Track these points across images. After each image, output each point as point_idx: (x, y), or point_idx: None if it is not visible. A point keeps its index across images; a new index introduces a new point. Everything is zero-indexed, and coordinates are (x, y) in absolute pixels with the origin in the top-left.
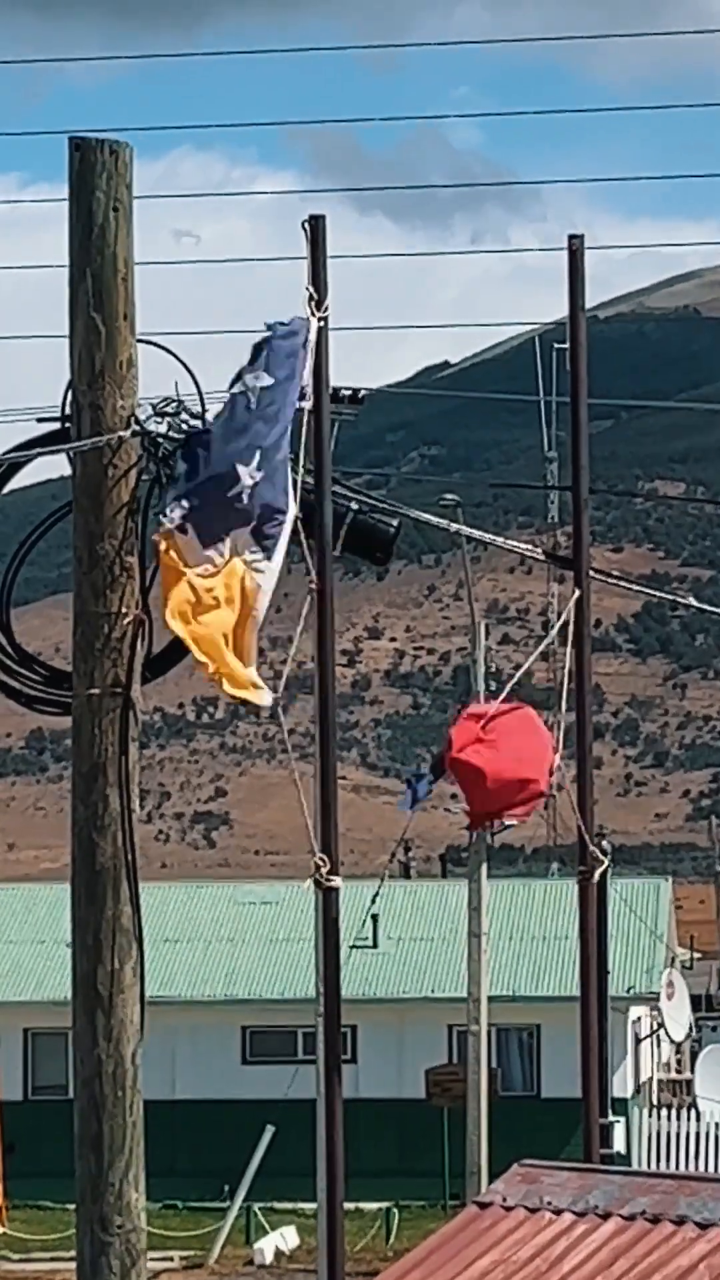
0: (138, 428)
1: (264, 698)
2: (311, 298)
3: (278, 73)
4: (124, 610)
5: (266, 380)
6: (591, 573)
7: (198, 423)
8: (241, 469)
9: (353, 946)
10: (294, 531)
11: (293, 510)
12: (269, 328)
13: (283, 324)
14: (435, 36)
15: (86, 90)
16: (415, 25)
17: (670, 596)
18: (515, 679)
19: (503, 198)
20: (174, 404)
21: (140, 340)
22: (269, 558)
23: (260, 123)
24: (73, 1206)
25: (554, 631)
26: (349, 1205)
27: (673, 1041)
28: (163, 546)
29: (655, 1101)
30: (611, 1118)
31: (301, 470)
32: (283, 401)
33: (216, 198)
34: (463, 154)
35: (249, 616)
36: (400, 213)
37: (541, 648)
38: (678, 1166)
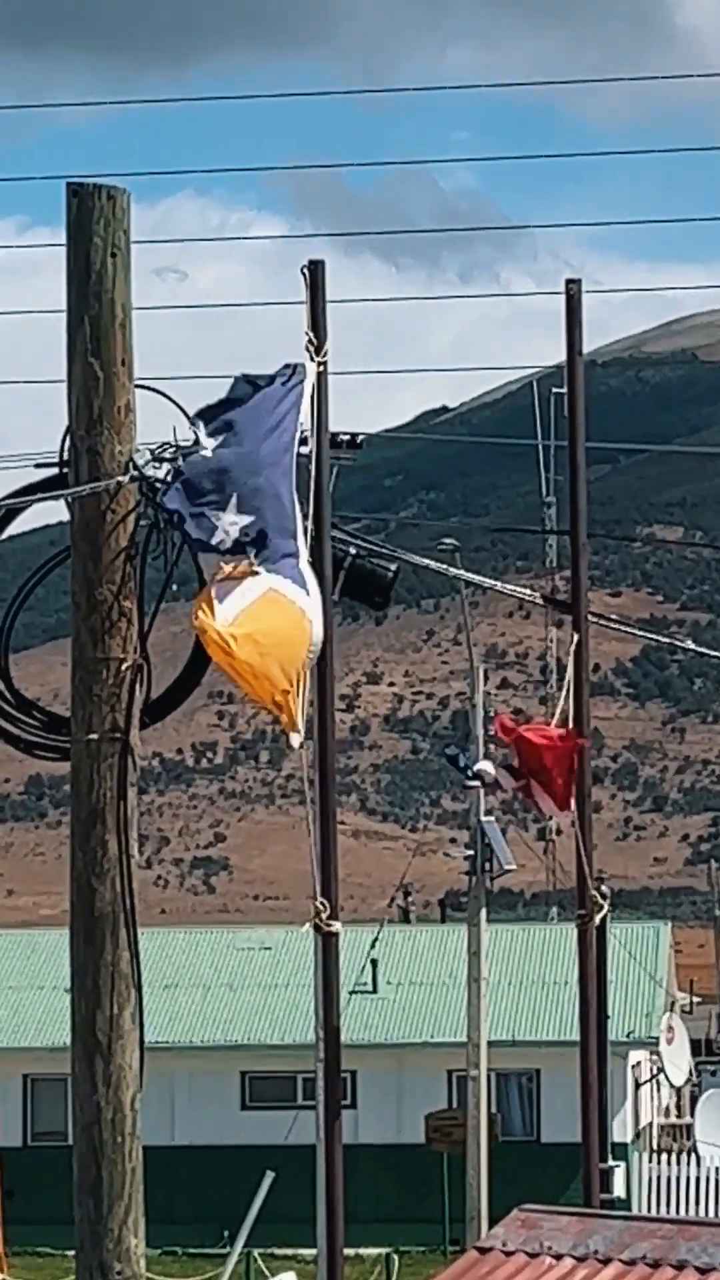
0: (136, 473)
1: (294, 739)
2: (311, 343)
3: (266, 112)
4: (122, 656)
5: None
6: (590, 617)
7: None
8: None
9: (352, 992)
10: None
11: (304, 555)
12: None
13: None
14: (427, 75)
15: (76, 130)
16: (406, 64)
17: (669, 640)
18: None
19: (494, 238)
20: (172, 449)
21: (138, 385)
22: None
23: (248, 168)
24: (72, 1253)
25: (554, 676)
26: (349, 1251)
27: (672, 1086)
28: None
29: (655, 1146)
30: (611, 1163)
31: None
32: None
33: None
34: (451, 194)
35: (302, 648)
36: (389, 253)
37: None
38: (678, 1211)
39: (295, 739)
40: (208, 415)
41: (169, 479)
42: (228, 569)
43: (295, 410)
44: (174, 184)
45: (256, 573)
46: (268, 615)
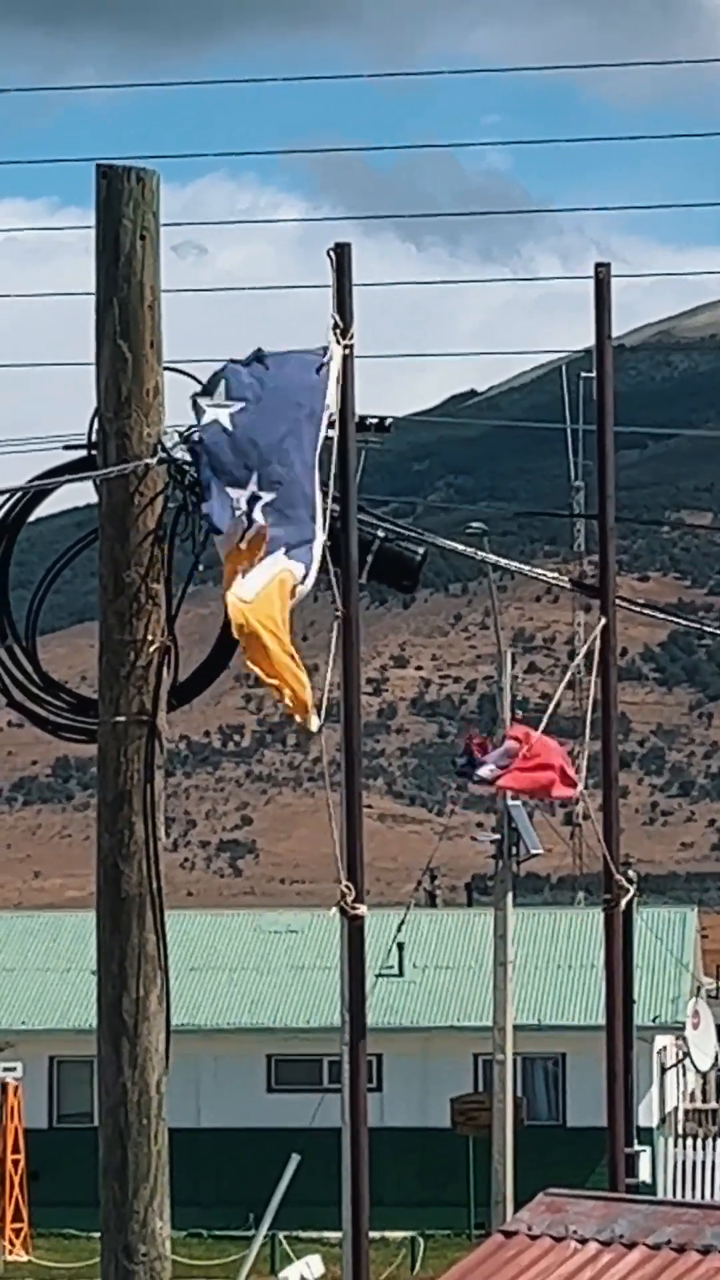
0: (164, 455)
1: (313, 722)
2: (336, 325)
3: (286, 91)
4: (150, 638)
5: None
6: (618, 601)
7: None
8: (234, 493)
9: (378, 975)
10: (321, 559)
11: (320, 538)
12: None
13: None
14: (450, 55)
15: (96, 109)
16: (429, 43)
17: (696, 625)
18: (550, 710)
19: (519, 220)
20: (200, 432)
21: (167, 368)
22: (302, 581)
23: (269, 151)
24: (97, 1235)
25: (580, 660)
26: (374, 1234)
27: (698, 1071)
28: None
29: (680, 1131)
30: (637, 1147)
31: (328, 498)
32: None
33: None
34: (473, 175)
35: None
36: (411, 233)
37: (568, 676)
38: (703, 1196)
39: (314, 722)
40: (215, 383)
41: (196, 447)
42: (243, 546)
43: (319, 391)
44: (194, 164)
45: (266, 540)
46: (279, 599)
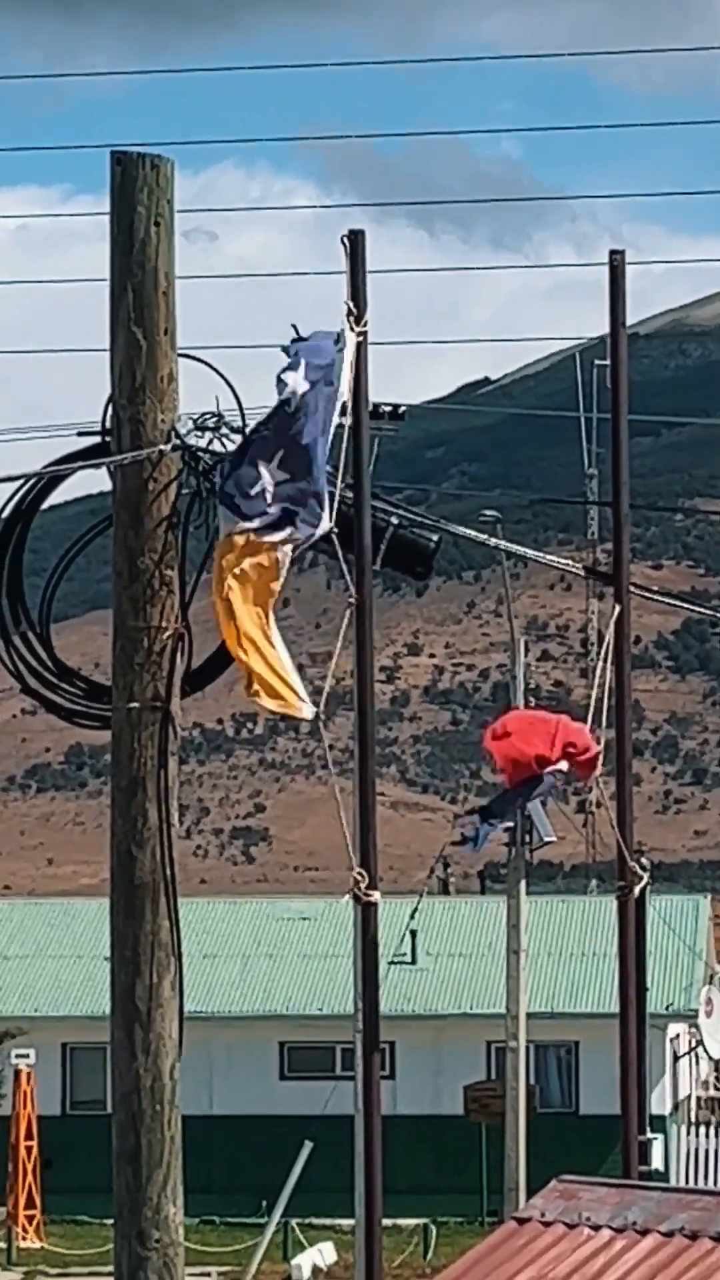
0: (178, 442)
1: (305, 710)
2: (350, 313)
3: (298, 78)
4: (164, 624)
5: (303, 385)
6: (631, 589)
7: (238, 437)
8: (263, 467)
9: (391, 963)
10: (332, 546)
11: (325, 525)
12: (297, 336)
13: (303, 339)
14: (464, 42)
15: (109, 95)
16: (441, 29)
17: (710, 613)
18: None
19: (531, 208)
20: (214, 418)
21: (181, 354)
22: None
23: (280, 138)
24: (110, 1221)
25: (595, 648)
26: (386, 1221)
27: (711, 1059)
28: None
29: (693, 1119)
30: (649, 1135)
31: (340, 485)
32: (316, 410)
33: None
34: (485, 161)
35: (268, 617)
36: (423, 219)
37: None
38: (716, 1183)
39: (307, 710)
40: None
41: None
42: (239, 541)
43: (332, 378)
44: (207, 151)
45: (263, 546)
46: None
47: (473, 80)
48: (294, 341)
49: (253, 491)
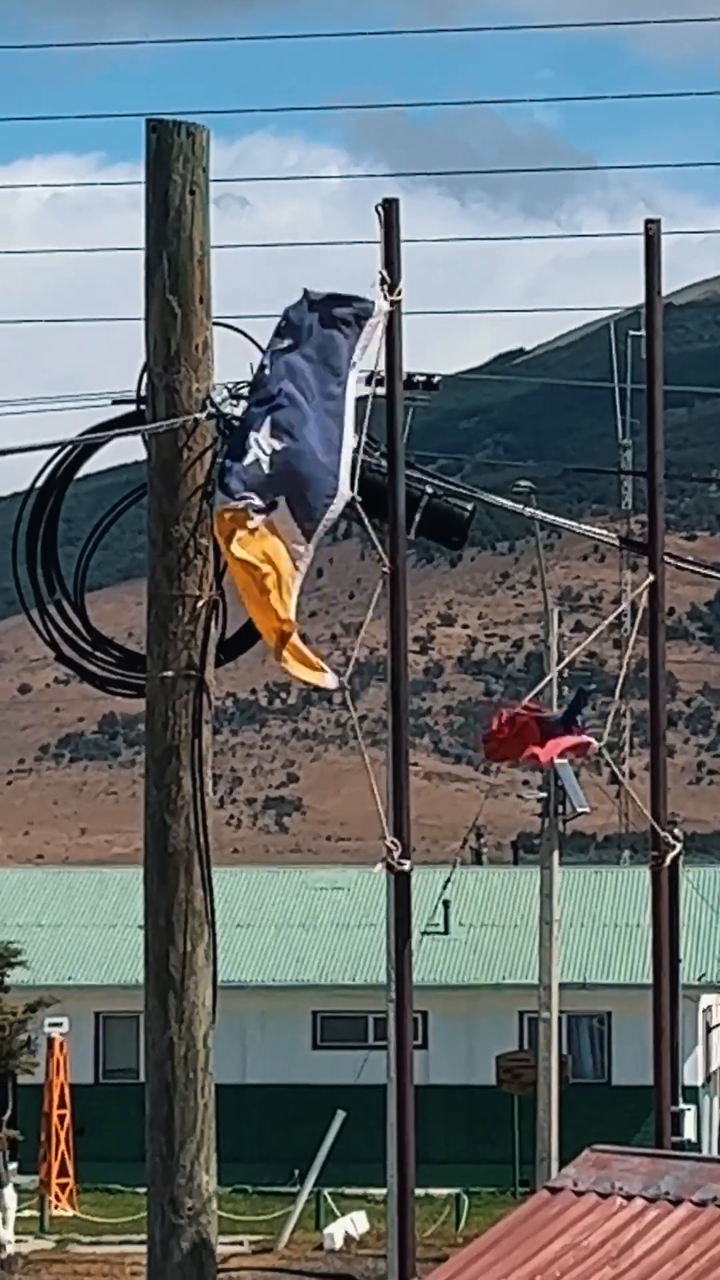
0: (213, 410)
1: (328, 680)
2: (384, 281)
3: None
4: (198, 593)
5: (292, 355)
6: (666, 559)
7: None
8: (253, 435)
9: (424, 933)
10: (367, 516)
11: (344, 493)
12: (304, 299)
13: (318, 298)
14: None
15: (138, 63)
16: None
17: None
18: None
19: (565, 177)
20: (249, 387)
21: (216, 323)
22: (308, 539)
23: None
24: (143, 1190)
25: (628, 619)
26: (419, 1191)
27: None
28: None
29: None
30: (682, 1105)
31: (375, 455)
32: (324, 376)
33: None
34: (514, 128)
35: (286, 591)
36: (454, 188)
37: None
38: None
39: (330, 680)
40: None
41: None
42: (227, 518)
43: (354, 348)
44: (239, 120)
45: (253, 525)
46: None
47: (504, 49)
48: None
49: (246, 462)
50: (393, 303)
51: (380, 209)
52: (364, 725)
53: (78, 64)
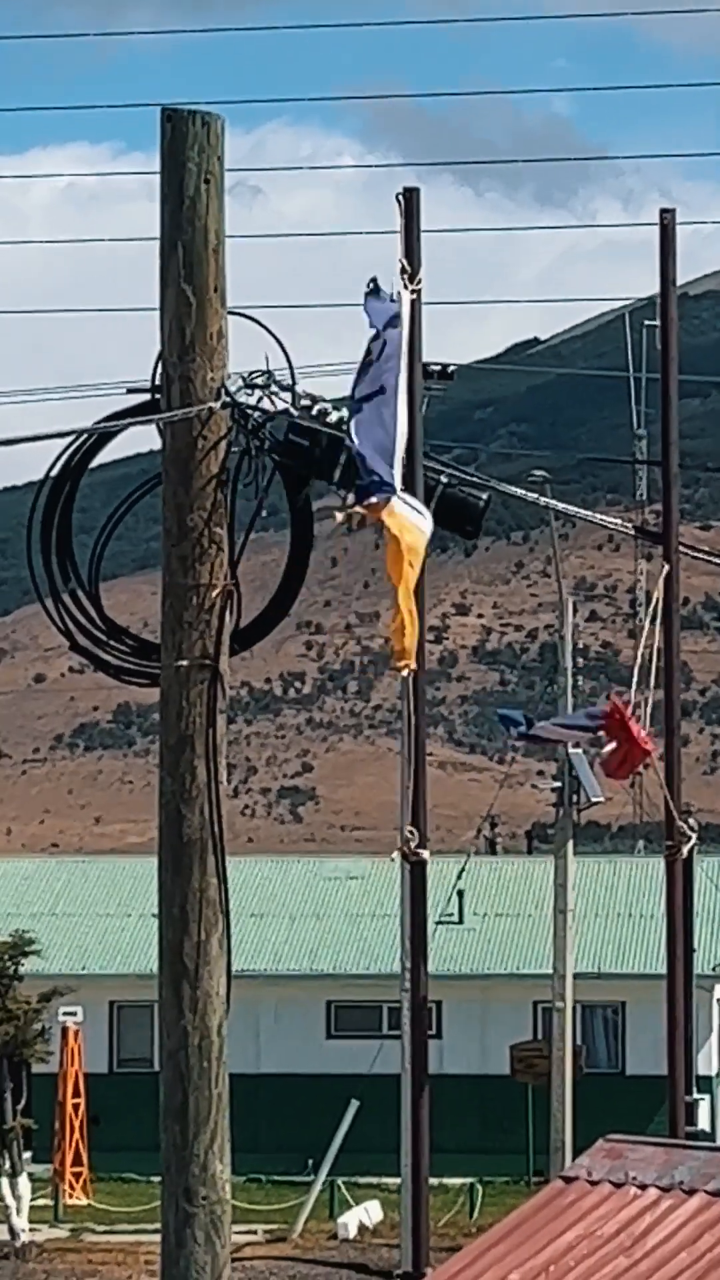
0: (228, 399)
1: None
2: (404, 270)
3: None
4: (213, 582)
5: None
6: (681, 548)
7: (287, 395)
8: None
9: (438, 922)
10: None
11: (398, 481)
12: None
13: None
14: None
15: (151, 52)
16: None
17: None
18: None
19: (579, 166)
20: (264, 376)
21: (231, 312)
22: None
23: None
24: (157, 1179)
25: (643, 609)
26: (432, 1180)
27: None
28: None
29: None
30: (696, 1095)
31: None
32: (382, 367)
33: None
34: (528, 117)
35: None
36: (468, 177)
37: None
38: None
39: (407, 665)
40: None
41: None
42: (361, 510)
43: (392, 336)
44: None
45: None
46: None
47: (518, 38)
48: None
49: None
50: (413, 291)
51: (400, 198)
52: (378, 715)
53: (91, 53)
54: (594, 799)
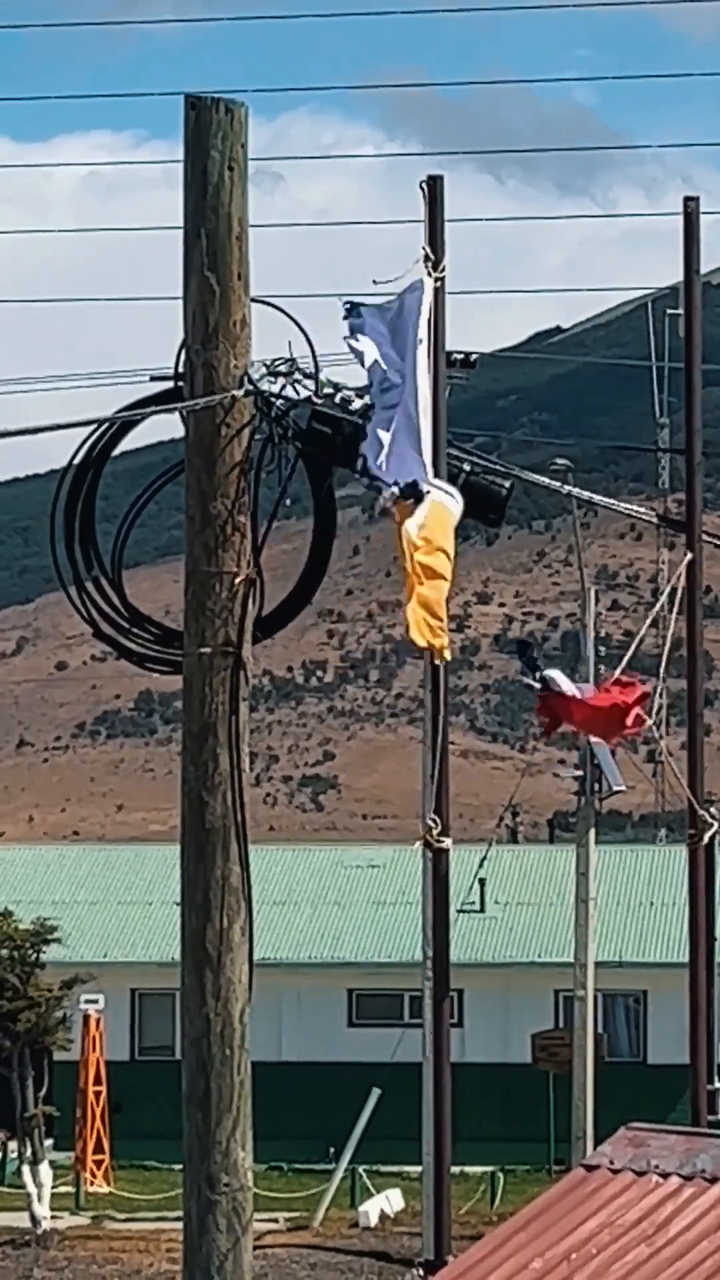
0: (251, 387)
1: (447, 653)
2: (428, 258)
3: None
4: (236, 570)
5: (373, 350)
6: (704, 537)
7: (310, 383)
8: (381, 433)
9: (460, 911)
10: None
11: (429, 469)
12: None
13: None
14: None
15: (170, 40)
16: None
17: None
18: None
19: (602, 154)
20: (287, 364)
21: (255, 300)
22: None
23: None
24: (178, 1167)
25: (665, 597)
26: (454, 1169)
27: None
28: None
29: None
30: (718, 1083)
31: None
32: (401, 371)
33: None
34: (549, 105)
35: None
36: (489, 165)
37: (654, 613)
38: None
39: (447, 654)
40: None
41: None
42: (396, 510)
43: (417, 327)
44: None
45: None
46: (437, 534)
47: (538, 26)
48: (351, 307)
49: (380, 459)
50: (437, 279)
51: (424, 186)
52: (400, 703)
53: (114, 41)
54: (616, 788)
